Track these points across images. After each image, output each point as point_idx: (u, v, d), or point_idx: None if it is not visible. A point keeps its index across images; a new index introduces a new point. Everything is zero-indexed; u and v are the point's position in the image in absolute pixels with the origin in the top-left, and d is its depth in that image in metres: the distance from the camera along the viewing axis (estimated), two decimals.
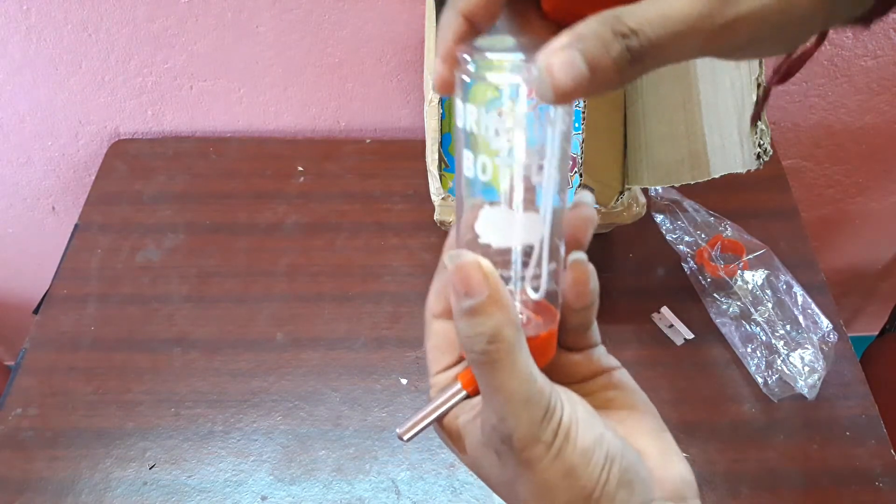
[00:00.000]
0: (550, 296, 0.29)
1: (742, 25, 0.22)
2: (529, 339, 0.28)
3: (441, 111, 0.63)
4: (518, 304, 0.29)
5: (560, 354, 0.33)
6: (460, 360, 0.31)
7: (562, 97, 0.23)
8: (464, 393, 0.30)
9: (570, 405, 0.28)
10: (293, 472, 0.62)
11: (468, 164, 0.28)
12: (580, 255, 0.31)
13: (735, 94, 0.53)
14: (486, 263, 0.26)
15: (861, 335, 1.31)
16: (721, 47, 0.23)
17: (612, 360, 0.34)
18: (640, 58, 0.22)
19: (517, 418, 0.26)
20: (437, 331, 0.31)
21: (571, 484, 0.27)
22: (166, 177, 0.85)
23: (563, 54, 0.22)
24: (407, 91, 0.86)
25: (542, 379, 0.27)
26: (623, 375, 0.34)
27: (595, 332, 0.34)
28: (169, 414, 0.65)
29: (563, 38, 0.22)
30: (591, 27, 0.22)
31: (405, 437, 0.29)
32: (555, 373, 0.32)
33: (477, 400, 0.29)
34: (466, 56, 0.26)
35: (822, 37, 0.27)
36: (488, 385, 0.27)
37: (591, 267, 0.31)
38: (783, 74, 0.30)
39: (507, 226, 0.28)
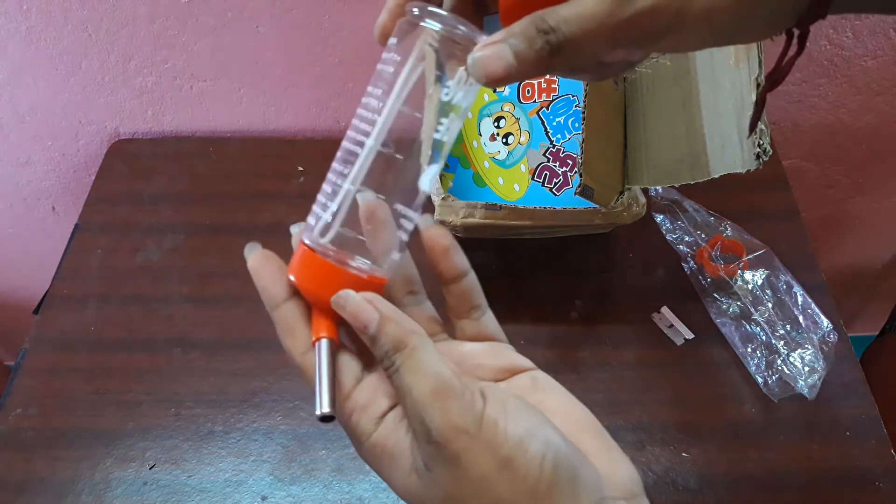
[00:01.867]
0: (386, 270, 0.32)
1: (641, 20, 0.25)
2: (369, 278, 0.30)
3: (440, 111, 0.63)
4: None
5: (460, 346, 0.34)
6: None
7: (493, 81, 0.27)
8: (327, 341, 0.30)
9: (496, 398, 0.28)
10: (293, 472, 0.62)
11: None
12: (436, 227, 0.32)
13: (734, 94, 0.53)
14: (368, 295, 0.30)
15: (861, 335, 1.31)
16: (628, 40, 0.26)
17: (526, 361, 0.34)
18: (559, 51, 0.26)
19: (431, 411, 0.27)
20: (283, 316, 0.32)
21: (511, 476, 0.26)
22: (166, 177, 0.85)
23: (495, 47, 0.27)
24: None
25: (454, 376, 0.28)
26: (543, 376, 0.33)
27: (491, 320, 0.34)
28: (169, 414, 0.65)
29: (497, 34, 0.27)
30: (521, 25, 0.26)
31: (327, 411, 0.29)
32: (466, 369, 0.33)
33: (401, 417, 0.30)
34: (415, 8, 0.29)
35: (802, 40, 0.28)
36: (400, 390, 0.28)
37: (447, 239, 0.32)
38: (771, 82, 0.31)
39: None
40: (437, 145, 0.31)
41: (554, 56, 0.26)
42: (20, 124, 0.88)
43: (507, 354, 0.34)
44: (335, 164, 0.32)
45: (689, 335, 0.69)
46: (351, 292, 0.30)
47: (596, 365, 0.67)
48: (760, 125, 0.50)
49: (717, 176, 0.54)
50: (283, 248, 0.86)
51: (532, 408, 0.29)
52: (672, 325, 0.69)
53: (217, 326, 0.71)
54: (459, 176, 0.67)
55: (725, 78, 0.54)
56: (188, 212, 0.81)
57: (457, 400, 0.27)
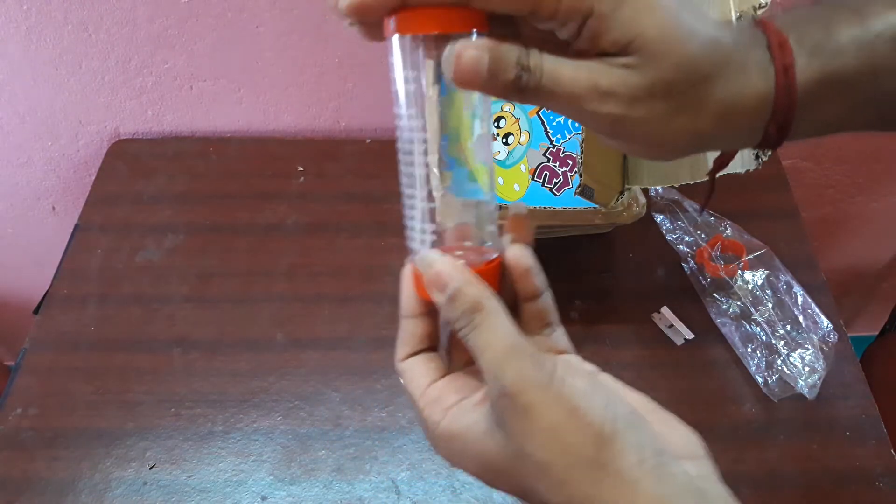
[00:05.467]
0: (491, 239, 0.33)
1: (597, 121, 0.28)
2: (473, 269, 0.31)
3: (440, 109, 0.63)
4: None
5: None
6: (419, 351, 0.34)
7: (458, 79, 0.27)
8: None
9: (561, 360, 0.30)
10: (293, 472, 0.62)
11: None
12: (520, 248, 0.33)
13: None
14: (450, 258, 0.31)
15: (861, 335, 1.31)
16: (588, 125, 0.29)
17: (591, 366, 0.35)
18: (525, 90, 0.27)
19: (505, 366, 0.28)
20: (403, 327, 0.34)
21: (579, 423, 0.28)
22: (166, 177, 0.85)
23: (476, 51, 0.27)
24: None
25: (526, 340, 0.30)
26: (605, 375, 0.34)
27: (562, 336, 0.36)
28: (169, 414, 0.65)
29: (486, 40, 0.27)
30: (509, 48, 0.27)
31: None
32: None
33: (475, 401, 0.31)
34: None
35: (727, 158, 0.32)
36: (476, 348, 0.29)
37: (530, 260, 0.33)
38: (718, 165, 0.36)
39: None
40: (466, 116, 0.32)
41: (521, 93, 0.27)
42: (20, 124, 0.88)
43: (576, 363, 0.35)
44: (404, 189, 0.32)
45: (689, 335, 0.69)
46: (435, 254, 0.31)
47: (596, 365, 0.67)
48: None
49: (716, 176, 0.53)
50: (282, 247, 0.86)
51: (593, 375, 0.31)
52: (672, 325, 0.69)
53: (217, 326, 0.71)
54: (458, 175, 0.67)
55: None
56: (188, 212, 0.81)
57: (529, 357, 0.29)
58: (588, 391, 0.28)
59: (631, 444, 0.28)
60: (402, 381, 0.34)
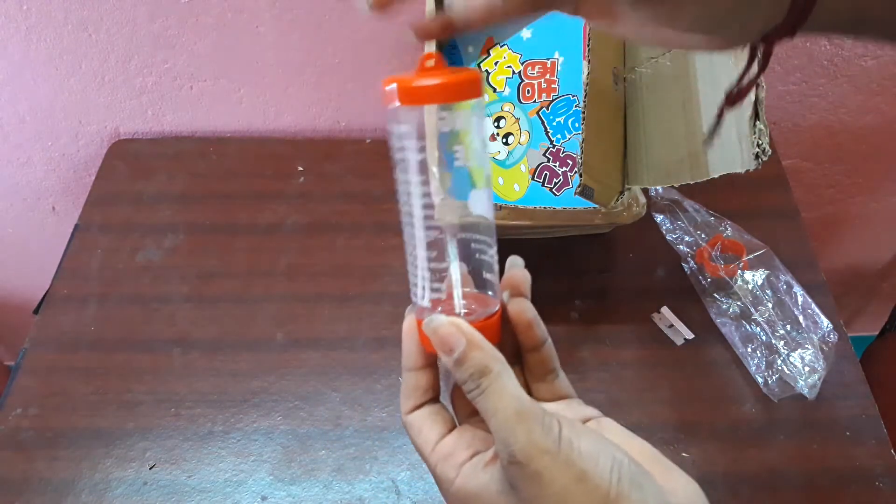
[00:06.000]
0: (490, 287, 0.34)
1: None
2: (473, 324, 0.31)
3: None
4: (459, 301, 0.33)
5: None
6: (424, 403, 0.34)
7: (475, 20, 0.27)
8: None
9: (567, 421, 0.30)
10: (293, 472, 0.62)
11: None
12: (521, 302, 0.34)
13: None
14: (455, 320, 0.31)
15: (861, 335, 1.31)
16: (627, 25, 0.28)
17: (594, 411, 0.36)
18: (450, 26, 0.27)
19: (515, 432, 0.29)
20: (406, 380, 0.34)
21: (586, 488, 0.28)
22: (166, 177, 0.85)
23: None
24: None
25: (534, 402, 0.30)
26: (607, 420, 0.35)
27: (565, 381, 0.36)
28: (169, 414, 0.65)
29: None
30: None
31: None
32: None
33: (486, 459, 0.32)
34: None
35: (765, 58, 0.29)
36: (486, 412, 0.30)
37: (531, 313, 0.34)
38: (731, 101, 0.33)
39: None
40: (463, 174, 0.32)
41: (445, 31, 0.27)
42: (20, 124, 0.88)
43: (578, 408, 0.36)
44: (407, 248, 0.33)
45: (689, 335, 0.69)
46: (439, 316, 0.31)
47: (596, 365, 0.67)
48: (759, 125, 0.50)
49: (716, 176, 0.54)
50: (282, 247, 0.86)
51: (596, 432, 0.31)
52: (672, 325, 0.69)
53: (217, 326, 0.71)
54: (458, 175, 0.67)
55: (725, 78, 0.54)
56: (188, 212, 0.81)
57: (538, 422, 0.29)
58: (594, 453, 0.29)
59: (637, 499, 0.29)
60: (409, 434, 0.34)
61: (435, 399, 0.35)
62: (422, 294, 0.33)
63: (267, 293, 0.74)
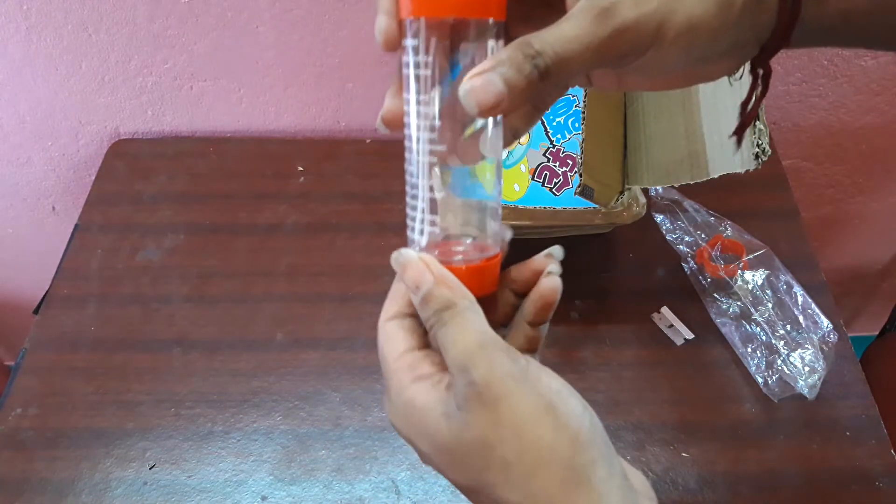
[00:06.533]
0: (491, 233, 0.32)
1: (624, 35, 0.26)
2: (467, 267, 0.31)
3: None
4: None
5: None
6: (405, 315, 0.33)
7: (485, 111, 0.27)
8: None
9: (535, 362, 0.29)
10: (293, 472, 0.62)
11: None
12: (555, 280, 0.33)
13: (734, 94, 0.53)
14: (424, 256, 0.31)
15: (861, 335, 1.31)
16: (613, 55, 0.27)
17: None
18: (547, 73, 0.27)
19: (476, 359, 0.28)
20: (395, 287, 0.34)
21: (555, 421, 0.27)
22: (166, 177, 0.85)
23: (484, 77, 0.27)
24: None
25: (500, 338, 0.29)
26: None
27: (542, 341, 0.35)
28: (169, 414, 0.65)
29: (485, 63, 0.27)
30: (507, 52, 0.27)
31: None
32: None
33: (445, 381, 0.30)
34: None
35: (766, 79, 0.30)
36: (445, 344, 0.29)
37: (558, 294, 0.33)
38: (740, 125, 0.34)
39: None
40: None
41: (543, 79, 0.27)
42: (20, 124, 0.88)
43: None
44: (408, 178, 0.32)
45: (689, 335, 0.69)
46: (408, 252, 0.31)
47: (596, 365, 0.67)
48: (759, 125, 0.50)
49: (716, 176, 0.54)
50: (282, 247, 0.86)
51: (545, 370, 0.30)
52: (672, 325, 0.69)
53: (217, 326, 0.71)
54: (458, 175, 0.67)
55: (725, 78, 0.54)
56: (188, 212, 0.81)
57: (503, 351, 0.28)
58: (565, 393, 0.28)
59: (603, 457, 0.27)
60: (379, 341, 0.33)
61: (416, 316, 0.33)
62: (419, 229, 0.32)
63: (267, 293, 0.74)
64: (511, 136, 0.33)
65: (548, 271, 0.33)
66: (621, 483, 0.27)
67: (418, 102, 0.30)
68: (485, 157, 0.31)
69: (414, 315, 0.33)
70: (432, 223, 0.31)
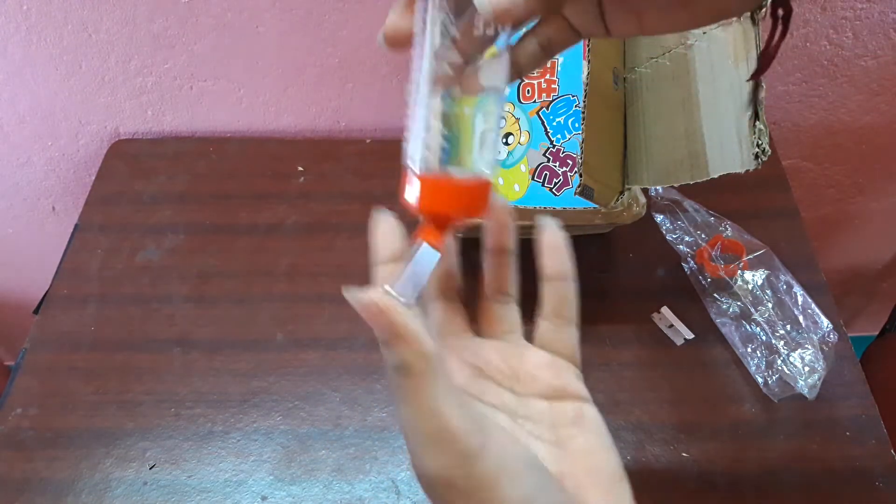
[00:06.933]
0: (487, 171, 0.31)
1: None
2: (461, 184, 0.29)
3: (441, 108, 0.63)
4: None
5: (525, 350, 0.34)
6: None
7: (500, 16, 0.26)
8: (427, 245, 0.30)
9: (499, 453, 0.26)
10: (293, 472, 0.62)
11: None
12: (551, 227, 0.32)
13: (734, 94, 0.53)
14: (378, 299, 0.26)
15: (861, 335, 1.31)
16: None
17: (583, 391, 0.33)
18: None
19: (425, 456, 0.26)
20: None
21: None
22: (166, 177, 0.85)
23: None
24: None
25: (458, 419, 0.25)
26: (591, 413, 0.32)
27: (574, 336, 0.34)
28: (169, 414, 0.65)
29: None
30: None
31: (404, 297, 0.27)
32: (520, 378, 0.32)
33: None
34: None
35: (786, 20, 0.27)
36: (401, 420, 0.26)
37: (561, 238, 0.32)
38: (761, 65, 0.31)
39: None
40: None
41: None
42: (20, 124, 0.88)
43: (567, 377, 0.33)
44: (410, 94, 0.31)
45: (689, 335, 0.69)
46: (357, 293, 0.26)
47: (596, 365, 0.67)
48: (759, 125, 0.50)
49: (716, 176, 0.54)
50: (282, 247, 0.86)
51: (537, 468, 0.28)
52: (672, 325, 0.69)
53: (217, 326, 0.71)
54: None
55: (725, 78, 0.54)
56: (188, 212, 0.81)
57: (454, 452, 0.25)
58: (507, 489, 0.25)
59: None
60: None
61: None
62: (421, 150, 0.30)
63: (267, 293, 0.74)
64: (515, 74, 0.31)
65: (542, 225, 0.32)
66: None
67: (434, 6, 0.29)
68: (484, 89, 0.30)
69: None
70: (428, 142, 0.30)
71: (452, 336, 0.34)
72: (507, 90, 0.68)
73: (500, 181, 0.67)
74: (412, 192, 0.31)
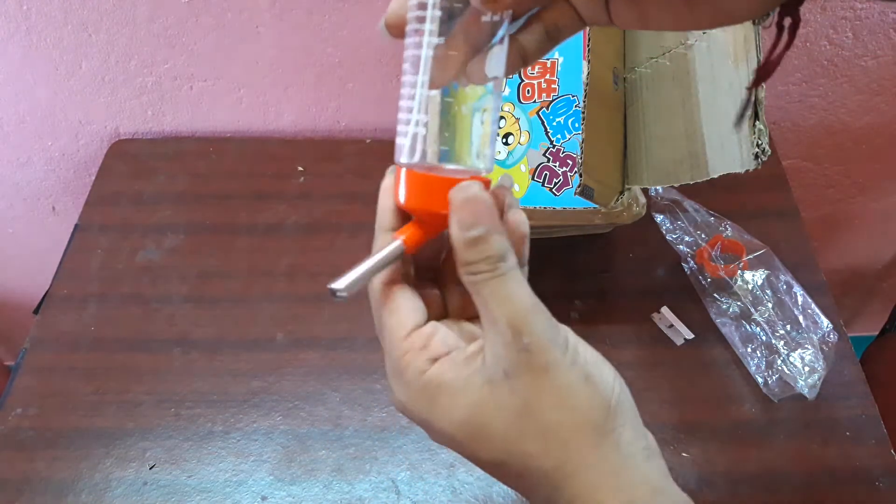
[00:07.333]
0: (485, 165, 0.31)
1: None
2: (449, 179, 0.29)
3: (440, 107, 0.63)
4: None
5: (468, 327, 0.34)
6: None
7: (491, 2, 0.26)
8: (402, 246, 0.30)
9: (567, 329, 0.30)
10: (293, 472, 0.62)
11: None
12: (520, 213, 0.32)
13: (733, 94, 0.53)
14: (483, 194, 0.28)
15: (861, 335, 1.31)
16: None
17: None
18: None
19: (532, 321, 0.28)
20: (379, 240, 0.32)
21: (593, 390, 0.28)
22: (166, 177, 0.85)
23: None
24: None
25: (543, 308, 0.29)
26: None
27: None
28: (169, 414, 0.65)
29: None
30: None
31: (339, 290, 0.28)
32: None
33: (467, 354, 0.30)
34: None
35: (792, 30, 0.27)
36: (498, 296, 0.28)
37: (526, 227, 0.32)
38: (760, 75, 0.30)
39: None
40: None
41: None
42: (20, 124, 0.88)
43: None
44: (403, 83, 0.30)
45: (689, 335, 0.69)
46: (474, 184, 0.29)
47: None
48: (759, 125, 0.50)
49: (716, 176, 0.54)
50: (282, 247, 0.86)
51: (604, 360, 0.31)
52: (672, 325, 0.69)
53: (217, 326, 0.71)
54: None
55: (725, 78, 0.54)
56: (188, 212, 0.81)
57: (549, 320, 0.29)
58: (598, 363, 0.29)
59: (630, 421, 0.29)
60: (379, 309, 0.31)
61: (411, 281, 0.32)
62: (411, 142, 0.29)
63: (267, 293, 0.74)
64: (520, 61, 0.31)
65: (508, 205, 0.32)
66: (645, 444, 0.30)
67: (430, 6, 0.28)
68: (488, 79, 0.30)
69: (409, 282, 0.32)
70: (426, 124, 0.29)
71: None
72: (506, 83, 0.68)
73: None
74: (400, 190, 0.30)
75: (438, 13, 0.28)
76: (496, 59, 0.29)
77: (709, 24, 0.28)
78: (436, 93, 0.29)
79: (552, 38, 0.31)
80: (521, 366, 0.28)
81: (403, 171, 0.30)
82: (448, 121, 0.30)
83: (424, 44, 0.29)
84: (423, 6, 0.28)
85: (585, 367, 0.29)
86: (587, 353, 0.29)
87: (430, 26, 0.28)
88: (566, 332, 0.29)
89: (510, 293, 0.28)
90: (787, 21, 0.27)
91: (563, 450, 0.28)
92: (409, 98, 0.29)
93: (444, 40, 0.29)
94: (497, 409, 0.28)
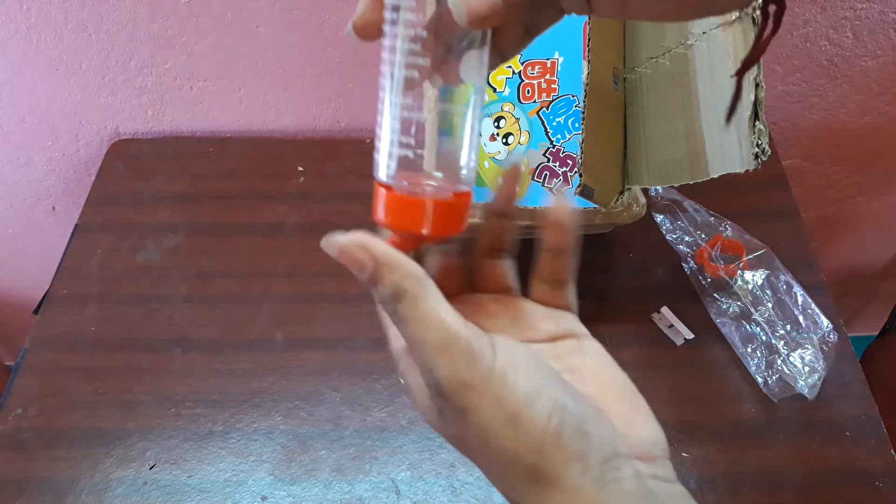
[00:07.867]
0: (467, 177, 0.30)
1: None
2: (435, 202, 0.28)
3: (439, 107, 0.63)
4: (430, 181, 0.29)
5: (528, 306, 0.34)
6: None
7: (476, 22, 0.24)
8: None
9: (506, 351, 0.27)
10: (293, 472, 0.62)
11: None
12: (565, 200, 0.31)
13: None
14: (359, 236, 0.27)
15: (861, 335, 1.31)
16: None
17: (582, 329, 0.34)
18: None
19: (437, 365, 0.26)
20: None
21: (516, 432, 0.26)
22: (166, 177, 0.85)
23: None
24: None
25: (460, 326, 0.27)
26: (592, 343, 0.33)
27: (572, 293, 0.34)
28: (169, 414, 0.65)
29: None
30: None
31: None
32: (519, 327, 0.33)
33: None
34: None
35: (777, 18, 0.26)
36: (408, 341, 0.27)
37: (569, 205, 0.31)
38: (745, 63, 0.30)
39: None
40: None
41: None
42: (20, 124, 0.88)
43: (568, 323, 0.33)
44: (380, 103, 0.30)
45: (689, 335, 0.69)
46: (338, 235, 0.28)
47: None
48: (759, 125, 0.50)
49: (715, 176, 0.54)
50: (282, 247, 0.86)
51: (544, 365, 0.28)
52: (672, 325, 0.69)
53: (217, 326, 0.71)
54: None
55: (725, 78, 0.54)
56: (188, 212, 0.81)
57: (464, 354, 0.26)
58: (532, 393, 0.26)
59: (576, 453, 0.26)
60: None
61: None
62: (386, 159, 0.28)
63: (267, 293, 0.74)
64: (499, 59, 0.30)
65: (554, 193, 0.32)
66: (600, 470, 0.26)
67: (402, 9, 0.27)
68: (463, 81, 0.29)
69: None
70: (403, 144, 0.28)
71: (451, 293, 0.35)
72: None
73: (500, 181, 0.67)
74: (379, 207, 0.30)
75: (412, 32, 0.27)
76: (473, 62, 0.28)
77: (692, 15, 0.26)
78: (411, 105, 0.29)
79: (530, 33, 0.30)
80: (444, 409, 0.27)
81: (382, 188, 0.30)
82: (428, 132, 0.29)
83: (397, 63, 0.28)
84: (394, 22, 0.28)
85: (511, 405, 0.26)
86: (519, 382, 0.26)
87: (402, 45, 0.27)
88: (493, 361, 0.26)
89: (413, 336, 0.27)
90: (772, 8, 0.26)
91: (500, 482, 0.28)
92: (380, 113, 0.29)
93: (419, 46, 0.28)
94: (443, 432, 0.29)
